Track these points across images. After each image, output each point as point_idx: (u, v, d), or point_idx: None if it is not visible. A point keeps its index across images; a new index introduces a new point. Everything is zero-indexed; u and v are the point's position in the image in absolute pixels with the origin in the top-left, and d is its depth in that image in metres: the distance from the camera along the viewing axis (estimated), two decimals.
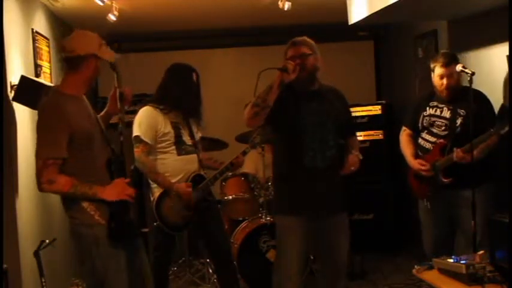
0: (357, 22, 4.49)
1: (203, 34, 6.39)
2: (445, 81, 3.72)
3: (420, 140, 3.91)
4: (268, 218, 4.71)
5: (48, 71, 4.48)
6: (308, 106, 3.31)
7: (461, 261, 2.83)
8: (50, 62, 4.54)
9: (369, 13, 4.14)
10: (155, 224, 3.87)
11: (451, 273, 2.88)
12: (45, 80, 4.31)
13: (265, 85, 3.13)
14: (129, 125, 3.72)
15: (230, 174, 4.94)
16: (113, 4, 4.60)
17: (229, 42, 6.61)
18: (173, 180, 3.81)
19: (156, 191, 3.85)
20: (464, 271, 2.76)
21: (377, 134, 5.86)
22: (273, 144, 3.75)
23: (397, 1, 3.66)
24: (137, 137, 3.78)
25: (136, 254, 3.07)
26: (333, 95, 3.44)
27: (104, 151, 3.01)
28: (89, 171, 2.91)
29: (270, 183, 4.82)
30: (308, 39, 3.36)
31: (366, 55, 6.74)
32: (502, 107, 3.82)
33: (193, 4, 5.07)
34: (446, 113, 3.78)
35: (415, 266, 3.16)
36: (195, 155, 3.90)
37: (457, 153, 3.60)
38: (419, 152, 3.90)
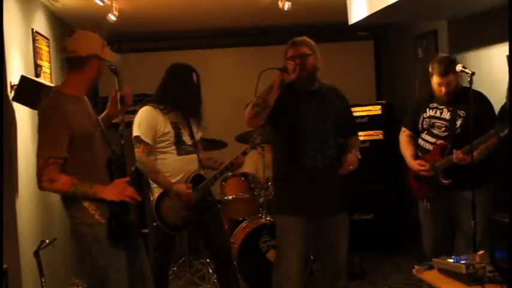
0: (357, 22, 4.49)
1: (203, 34, 6.39)
2: (443, 89, 3.72)
3: (420, 141, 3.91)
4: (268, 218, 4.71)
5: (48, 71, 4.48)
6: (308, 105, 3.31)
7: (461, 261, 2.83)
8: (50, 62, 4.54)
9: (369, 13, 4.14)
10: (155, 224, 3.87)
11: (451, 273, 2.88)
12: (45, 80, 4.30)
13: (266, 85, 3.13)
14: (129, 124, 3.72)
15: (230, 174, 4.93)
16: (113, 4, 4.60)
17: (229, 42, 6.60)
18: (173, 180, 3.81)
19: (156, 191, 3.85)
20: (464, 271, 2.76)
21: (377, 134, 5.86)
22: (273, 144, 3.75)
23: (397, 1, 3.66)
24: (137, 137, 3.78)
25: (136, 255, 3.07)
26: (333, 94, 3.44)
27: (104, 151, 3.01)
28: (89, 172, 2.91)
29: (270, 183, 4.81)
30: (308, 39, 3.35)
31: (366, 55, 6.73)
32: (503, 108, 3.81)
33: (193, 4, 5.07)
34: (446, 114, 3.78)
35: (415, 266, 3.16)
36: (195, 155, 3.90)
37: (456, 155, 3.60)
38: (419, 152, 3.90)
